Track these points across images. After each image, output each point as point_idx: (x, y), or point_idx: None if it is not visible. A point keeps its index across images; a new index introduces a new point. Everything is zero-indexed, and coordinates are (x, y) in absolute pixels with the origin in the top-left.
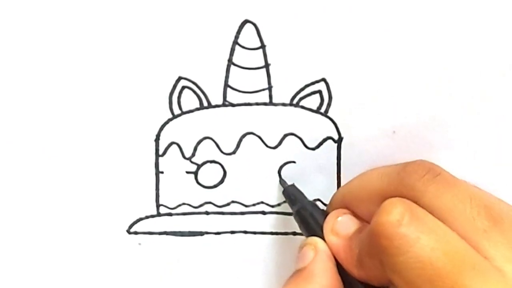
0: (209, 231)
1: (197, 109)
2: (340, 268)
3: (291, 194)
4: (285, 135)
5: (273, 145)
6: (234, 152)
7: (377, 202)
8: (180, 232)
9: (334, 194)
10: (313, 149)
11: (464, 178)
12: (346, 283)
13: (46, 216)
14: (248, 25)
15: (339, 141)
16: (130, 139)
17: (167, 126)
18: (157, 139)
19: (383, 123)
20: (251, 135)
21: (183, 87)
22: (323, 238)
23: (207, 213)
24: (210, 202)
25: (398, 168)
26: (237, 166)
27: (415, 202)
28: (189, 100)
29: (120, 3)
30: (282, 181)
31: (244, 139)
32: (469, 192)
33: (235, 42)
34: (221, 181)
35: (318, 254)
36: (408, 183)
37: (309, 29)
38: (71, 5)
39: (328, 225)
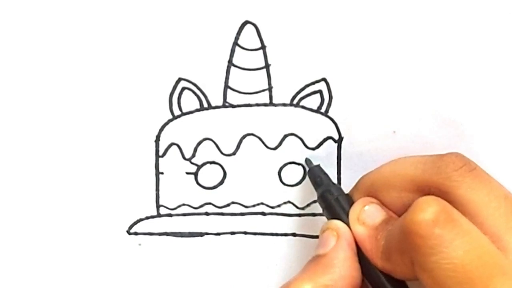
0: (209, 232)
1: (197, 110)
2: (362, 257)
3: (316, 175)
4: (285, 136)
5: (273, 146)
6: (234, 153)
7: (409, 189)
8: (180, 232)
9: (361, 178)
10: (313, 149)
11: None
12: (367, 272)
13: (46, 217)
14: (248, 26)
15: (339, 141)
16: (131, 140)
17: (167, 127)
18: (157, 140)
19: (383, 123)
20: (251, 136)
21: (183, 88)
22: (346, 223)
23: (207, 214)
24: (210, 203)
25: (434, 158)
26: (237, 167)
27: (450, 192)
28: (189, 101)
29: (120, 4)
30: (307, 161)
31: (244, 140)
32: (504, 191)
33: (235, 43)
34: (221, 182)
35: (339, 241)
36: (445, 172)
37: (309, 29)
38: (71, 7)
39: (354, 214)
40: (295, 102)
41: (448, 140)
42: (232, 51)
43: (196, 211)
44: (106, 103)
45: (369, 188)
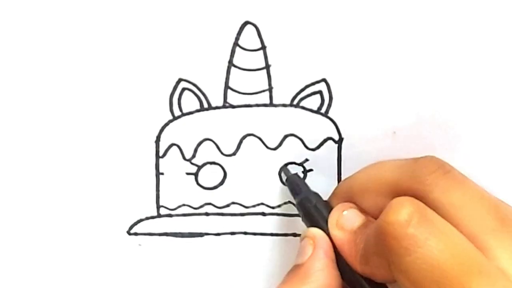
0: (209, 232)
1: (198, 110)
2: (341, 263)
3: (294, 183)
4: (286, 136)
5: (273, 146)
6: (234, 154)
7: (385, 194)
8: (180, 233)
9: (339, 185)
10: (313, 149)
11: None
12: (347, 277)
13: (46, 217)
14: (248, 26)
15: (339, 142)
16: (131, 140)
17: (167, 127)
18: (157, 141)
19: (383, 124)
20: (251, 137)
21: (184, 89)
22: (325, 230)
23: (207, 214)
24: (210, 203)
25: (408, 162)
26: (237, 168)
27: (424, 197)
28: (190, 102)
29: (120, 5)
30: (286, 170)
31: (244, 141)
32: (479, 191)
33: (236, 44)
34: (221, 183)
35: (316, 250)
36: (419, 176)
37: (310, 30)
38: (71, 8)
39: (333, 219)
40: (295, 102)
41: (448, 141)
42: (233, 52)
43: (196, 212)
44: (106, 104)
45: (347, 193)
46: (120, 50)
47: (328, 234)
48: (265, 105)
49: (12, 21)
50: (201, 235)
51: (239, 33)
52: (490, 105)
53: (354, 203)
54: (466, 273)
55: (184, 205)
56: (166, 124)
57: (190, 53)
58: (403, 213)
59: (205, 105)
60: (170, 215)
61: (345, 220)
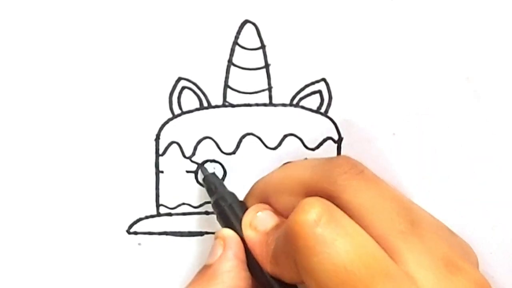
0: (209, 231)
1: (197, 109)
2: (253, 264)
3: (210, 182)
4: (285, 136)
5: (273, 145)
6: (234, 152)
7: (299, 194)
8: (180, 232)
9: (254, 185)
10: (313, 149)
11: (464, 180)
12: (258, 278)
13: (46, 216)
14: (248, 25)
15: (339, 142)
16: (131, 138)
17: (167, 125)
18: (157, 139)
19: (383, 124)
20: (251, 136)
21: (183, 88)
22: (239, 230)
23: (207, 213)
24: (210, 202)
25: (322, 162)
26: (237, 166)
27: (336, 197)
28: (189, 101)
29: (120, 4)
30: (203, 169)
31: (244, 140)
32: (391, 192)
33: (235, 43)
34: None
35: (225, 252)
36: (331, 176)
37: (309, 29)
38: (71, 6)
39: (247, 219)
40: (294, 102)
41: (448, 142)
42: (232, 51)
43: (196, 210)
44: (106, 102)
45: (262, 193)
46: (120, 49)
47: (241, 235)
48: (264, 104)
49: (12, 21)
50: (201, 234)
51: (238, 32)
52: (491, 105)
53: (269, 202)
54: (372, 276)
55: (184, 203)
56: (166, 122)
57: (189, 51)
58: (311, 213)
59: (205, 104)
60: (169, 214)
61: (259, 221)
